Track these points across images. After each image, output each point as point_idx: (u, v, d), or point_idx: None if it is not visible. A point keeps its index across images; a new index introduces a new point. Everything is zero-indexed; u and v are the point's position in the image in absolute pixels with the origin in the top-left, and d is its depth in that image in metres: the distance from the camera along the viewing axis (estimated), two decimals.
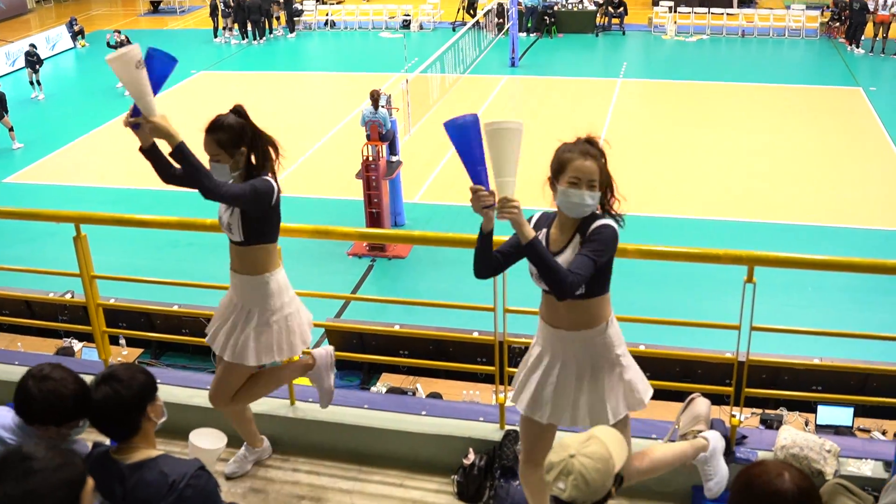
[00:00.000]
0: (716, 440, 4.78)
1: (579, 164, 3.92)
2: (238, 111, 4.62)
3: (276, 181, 4.67)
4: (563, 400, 4.16)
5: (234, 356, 4.85)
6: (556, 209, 4.08)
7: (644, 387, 4.23)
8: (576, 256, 3.87)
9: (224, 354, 4.90)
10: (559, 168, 3.98)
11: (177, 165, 4.38)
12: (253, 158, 4.62)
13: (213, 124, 4.55)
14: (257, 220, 4.64)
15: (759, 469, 2.96)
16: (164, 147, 4.34)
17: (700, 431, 4.93)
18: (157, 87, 4.41)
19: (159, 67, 4.42)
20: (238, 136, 4.55)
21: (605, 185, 4.01)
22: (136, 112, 4.40)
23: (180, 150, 4.27)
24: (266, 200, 4.57)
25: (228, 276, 4.91)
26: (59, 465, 2.80)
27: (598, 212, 4.01)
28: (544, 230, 4.09)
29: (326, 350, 5.33)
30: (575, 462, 2.96)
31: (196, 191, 4.41)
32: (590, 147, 4.00)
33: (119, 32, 26.27)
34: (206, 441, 5.07)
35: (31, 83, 25.71)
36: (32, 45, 25.96)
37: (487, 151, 3.82)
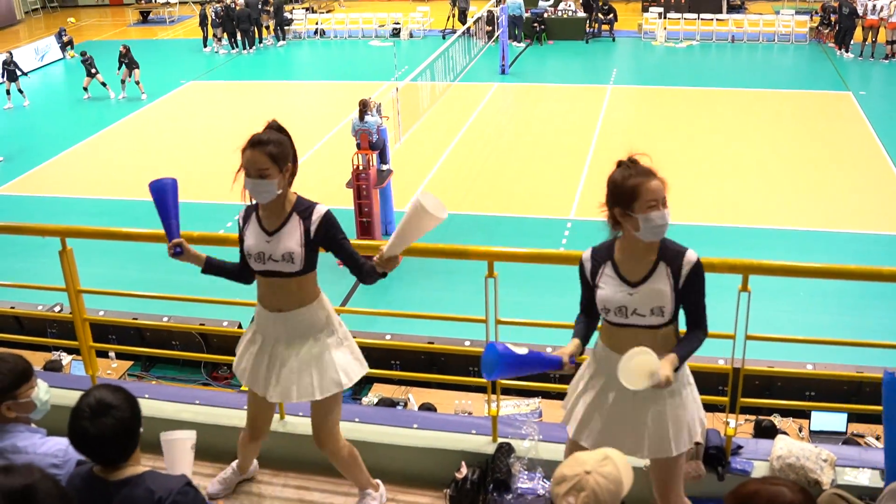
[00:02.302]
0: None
1: (651, 185, 3.82)
2: (278, 126, 4.49)
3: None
4: (625, 427, 4.13)
5: (325, 389, 4.65)
6: (610, 238, 4.05)
7: (703, 419, 4.27)
8: (696, 305, 3.99)
9: (310, 396, 4.65)
10: (631, 196, 3.83)
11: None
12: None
13: (262, 139, 4.38)
14: (317, 250, 4.57)
15: (755, 492, 2.82)
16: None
17: (697, 443, 4.89)
18: (176, 208, 4.53)
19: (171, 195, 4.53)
20: (288, 150, 4.43)
21: None
22: (171, 235, 4.50)
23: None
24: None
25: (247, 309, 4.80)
26: (43, 475, 2.81)
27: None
28: (608, 262, 4.02)
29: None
30: (590, 479, 2.89)
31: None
32: (643, 167, 3.90)
33: (84, 53, 26.28)
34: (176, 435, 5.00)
35: (8, 92, 25.58)
36: (10, 54, 25.76)
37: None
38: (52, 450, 3.72)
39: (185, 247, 4.53)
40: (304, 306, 4.60)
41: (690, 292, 3.93)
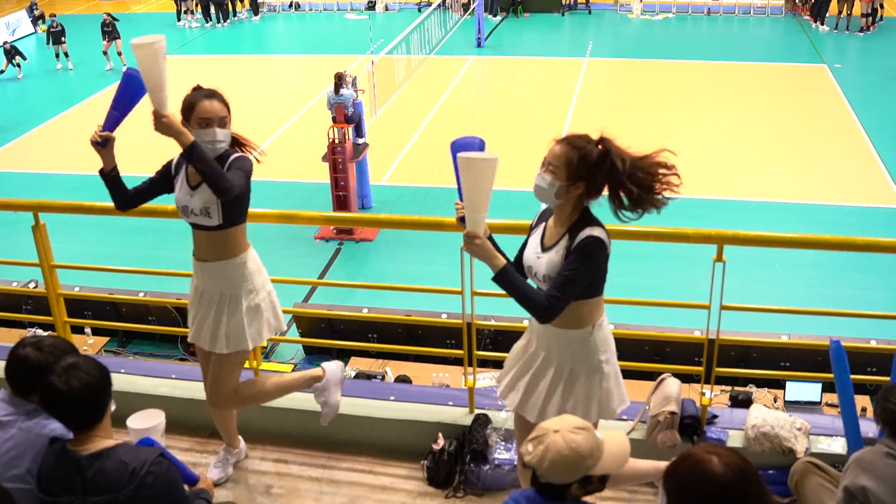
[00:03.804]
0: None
1: (552, 147, 3.90)
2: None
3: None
4: (534, 392, 4.06)
5: (231, 345, 4.63)
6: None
7: (620, 398, 4.08)
8: (557, 274, 3.76)
9: (216, 348, 4.65)
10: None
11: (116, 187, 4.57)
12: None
13: (211, 90, 4.48)
14: (237, 200, 4.49)
15: (687, 456, 2.85)
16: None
17: (672, 413, 4.92)
18: (130, 106, 4.52)
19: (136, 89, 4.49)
20: None
21: (586, 182, 3.86)
22: (108, 126, 4.42)
23: (195, 149, 4.23)
24: (250, 178, 4.53)
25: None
26: None
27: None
28: (543, 224, 4.02)
29: (338, 364, 5.14)
30: (553, 437, 2.95)
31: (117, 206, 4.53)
32: (577, 139, 3.88)
33: (54, 16, 26.33)
34: (145, 421, 5.00)
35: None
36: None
37: (463, 182, 3.88)
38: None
39: (111, 143, 4.52)
40: (222, 260, 4.58)
41: (567, 262, 3.75)
